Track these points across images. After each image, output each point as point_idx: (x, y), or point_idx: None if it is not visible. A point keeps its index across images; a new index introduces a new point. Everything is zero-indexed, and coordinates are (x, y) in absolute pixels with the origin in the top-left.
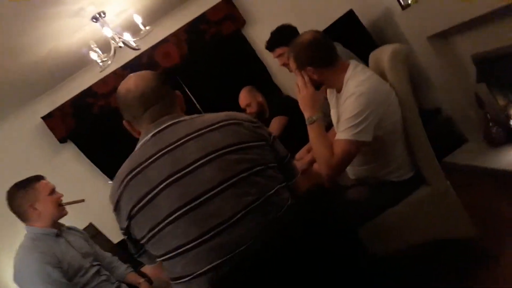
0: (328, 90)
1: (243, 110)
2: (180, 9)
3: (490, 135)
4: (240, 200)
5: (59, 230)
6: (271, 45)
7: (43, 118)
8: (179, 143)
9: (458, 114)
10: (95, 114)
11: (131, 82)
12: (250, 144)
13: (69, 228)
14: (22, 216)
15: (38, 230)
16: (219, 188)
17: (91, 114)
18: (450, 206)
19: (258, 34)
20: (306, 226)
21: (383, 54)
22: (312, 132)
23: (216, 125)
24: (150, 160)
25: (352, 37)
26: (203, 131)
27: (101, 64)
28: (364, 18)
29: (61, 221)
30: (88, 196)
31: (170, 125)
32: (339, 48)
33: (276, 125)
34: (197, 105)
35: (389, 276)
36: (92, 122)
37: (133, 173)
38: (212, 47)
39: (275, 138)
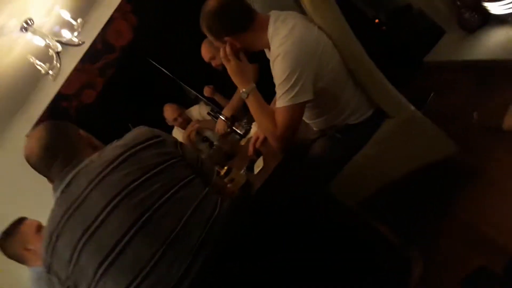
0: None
1: (208, 65)
2: None
3: (465, 21)
4: (155, 236)
5: None
6: None
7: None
8: (83, 196)
9: (428, 6)
10: (73, 116)
11: (28, 149)
12: (157, 170)
13: None
14: (21, 260)
15: (39, 269)
16: (131, 233)
17: (70, 117)
18: (421, 132)
19: None
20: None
21: None
22: (250, 106)
23: (116, 162)
24: (63, 222)
25: None
26: (103, 174)
27: (51, 73)
28: None
29: None
30: None
31: (74, 176)
32: None
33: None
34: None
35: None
36: None
37: (53, 238)
38: (161, 8)
39: (183, 146)
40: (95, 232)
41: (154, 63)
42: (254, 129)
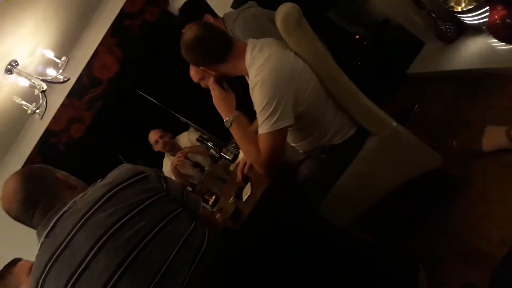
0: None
1: (196, 90)
2: (95, 19)
3: (442, 33)
4: (143, 276)
5: None
6: (182, 21)
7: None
8: (68, 239)
9: (405, 20)
10: (63, 152)
11: (6, 203)
12: (141, 207)
13: None
14: None
15: None
16: (118, 274)
17: (59, 153)
18: (405, 146)
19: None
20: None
21: (277, 23)
22: (234, 134)
23: (100, 202)
24: (47, 268)
25: None
26: (87, 215)
27: (37, 111)
28: None
29: None
30: None
31: (58, 219)
32: (253, 10)
33: None
34: (161, 105)
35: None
36: (62, 161)
37: (39, 284)
38: (146, 39)
39: (167, 180)
40: (82, 276)
41: (142, 93)
42: (242, 154)
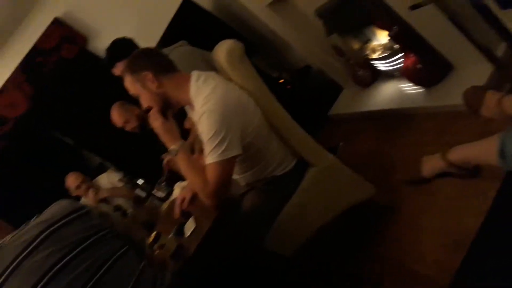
0: (186, 108)
1: (121, 130)
2: (3, 53)
3: (359, 79)
4: None
5: None
6: (110, 60)
7: None
8: None
9: (326, 67)
10: None
11: None
12: (83, 246)
13: None
14: None
15: None
16: None
17: None
18: (341, 177)
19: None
20: None
21: (219, 56)
22: (180, 163)
23: (35, 243)
24: None
25: (200, 26)
26: (20, 258)
27: None
28: (203, 2)
29: None
30: None
31: None
32: (183, 49)
33: None
34: (75, 145)
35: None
36: None
37: None
38: (61, 76)
39: (110, 216)
40: None
41: (55, 132)
42: (177, 190)
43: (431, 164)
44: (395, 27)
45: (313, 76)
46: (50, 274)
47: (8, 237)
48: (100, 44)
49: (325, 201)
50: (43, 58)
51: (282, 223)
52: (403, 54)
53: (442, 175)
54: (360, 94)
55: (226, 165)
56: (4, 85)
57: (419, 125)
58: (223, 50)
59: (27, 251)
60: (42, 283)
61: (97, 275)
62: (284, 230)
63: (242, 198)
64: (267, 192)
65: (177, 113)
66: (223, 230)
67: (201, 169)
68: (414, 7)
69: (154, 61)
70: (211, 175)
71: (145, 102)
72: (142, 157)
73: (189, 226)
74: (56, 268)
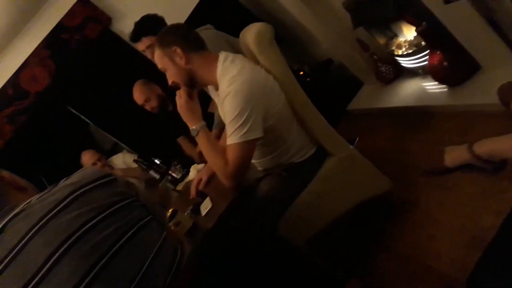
0: (210, 89)
1: (136, 112)
2: (29, 27)
3: (381, 74)
4: (115, 285)
5: None
6: (136, 34)
7: None
8: (21, 244)
9: (348, 61)
10: None
11: None
12: (111, 210)
13: None
14: None
15: None
16: (85, 282)
17: None
18: (359, 169)
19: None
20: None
21: (248, 38)
22: (200, 143)
23: (64, 203)
24: None
25: (225, 12)
26: (47, 217)
27: None
28: None
29: None
30: None
31: (7, 222)
32: (209, 32)
33: None
34: (91, 124)
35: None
36: None
37: None
38: (83, 55)
39: (135, 187)
40: (38, 287)
41: (73, 110)
42: (193, 172)
43: (455, 155)
44: (424, 23)
45: (334, 70)
46: (78, 234)
47: (35, 198)
48: (124, 27)
49: (342, 192)
50: (68, 35)
51: (297, 210)
52: (429, 51)
53: (463, 167)
54: (380, 90)
55: (247, 147)
56: (28, 59)
57: (439, 123)
58: (253, 32)
59: (55, 211)
60: (69, 242)
61: (123, 239)
62: (298, 218)
63: (258, 182)
64: (284, 178)
65: (200, 97)
66: (238, 214)
67: (221, 150)
68: (447, 1)
69: (185, 37)
70: (232, 156)
71: (171, 77)
72: (157, 139)
73: (206, 206)
74: (84, 228)
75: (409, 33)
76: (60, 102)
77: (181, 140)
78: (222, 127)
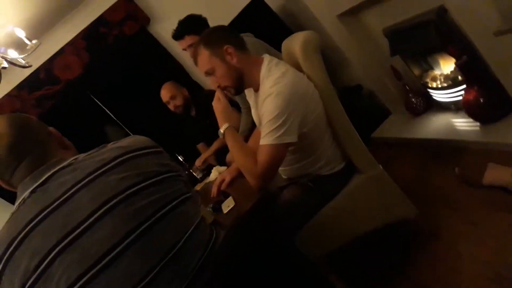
0: (247, 91)
1: (165, 105)
2: (73, 15)
3: (412, 105)
4: (153, 251)
5: None
6: (180, 32)
7: None
8: (66, 195)
9: (379, 88)
10: None
11: None
12: (157, 178)
13: None
14: None
15: None
16: (124, 244)
17: None
18: (386, 190)
19: (168, 30)
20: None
21: (294, 44)
22: (230, 142)
23: (112, 163)
24: (32, 225)
25: (263, 25)
26: (95, 174)
27: None
28: (273, 3)
29: None
30: None
31: (53, 174)
32: (251, 39)
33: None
34: (113, 117)
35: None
36: None
37: (14, 244)
38: (117, 51)
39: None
40: (78, 239)
41: (97, 101)
42: (214, 173)
43: (496, 173)
44: (464, 56)
45: (362, 96)
46: (123, 195)
47: (82, 155)
48: (160, 29)
49: (366, 211)
50: (106, 30)
51: (318, 223)
52: (466, 86)
53: (498, 188)
54: (408, 122)
55: (280, 150)
56: (65, 47)
57: (467, 159)
58: (300, 38)
59: (103, 169)
60: (114, 201)
61: (166, 208)
62: (318, 232)
63: (281, 191)
64: (309, 188)
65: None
66: (260, 215)
67: (249, 150)
68: (499, 33)
69: (234, 37)
70: (263, 157)
71: (220, 77)
72: (176, 141)
73: (228, 204)
74: (130, 191)
75: (445, 66)
76: (87, 94)
77: (200, 147)
78: (247, 134)
